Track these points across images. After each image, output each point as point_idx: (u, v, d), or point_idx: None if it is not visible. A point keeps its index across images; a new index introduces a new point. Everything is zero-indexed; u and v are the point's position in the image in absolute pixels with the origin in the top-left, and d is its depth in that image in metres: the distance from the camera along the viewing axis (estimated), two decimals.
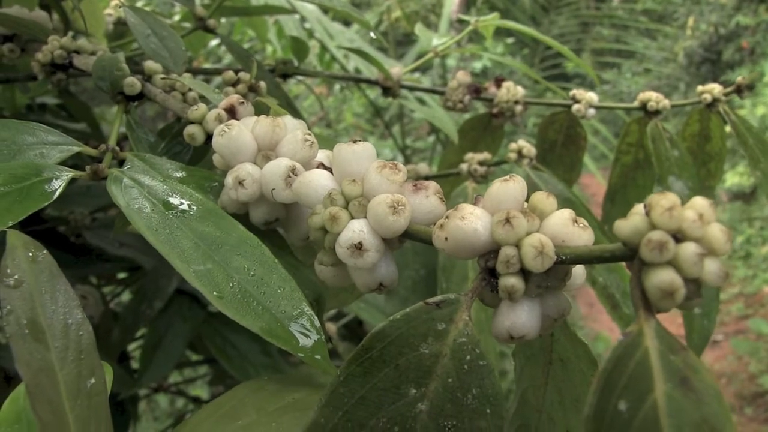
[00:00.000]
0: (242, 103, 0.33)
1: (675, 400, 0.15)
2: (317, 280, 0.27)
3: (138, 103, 0.41)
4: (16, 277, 0.21)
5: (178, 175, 0.31)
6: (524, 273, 0.19)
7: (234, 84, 0.42)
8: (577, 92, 0.64)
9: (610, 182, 0.69)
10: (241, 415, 0.22)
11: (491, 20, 0.72)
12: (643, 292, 0.16)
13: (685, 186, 0.58)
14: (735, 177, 3.60)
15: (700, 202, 0.16)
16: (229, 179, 0.28)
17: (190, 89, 0.39)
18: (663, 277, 0.16)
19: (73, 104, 0.83)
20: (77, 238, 0.82)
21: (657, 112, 0.61)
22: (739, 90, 0.61)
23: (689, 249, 0.16)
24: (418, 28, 0.71)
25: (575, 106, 0.64)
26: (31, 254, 0.22)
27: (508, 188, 0.20)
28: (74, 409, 0.20)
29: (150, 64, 0.40)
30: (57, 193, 0.26)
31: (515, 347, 0.32)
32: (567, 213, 0.20)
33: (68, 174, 0.27)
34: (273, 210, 0.28)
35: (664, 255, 0.16)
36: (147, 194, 0.27)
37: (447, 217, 0.20)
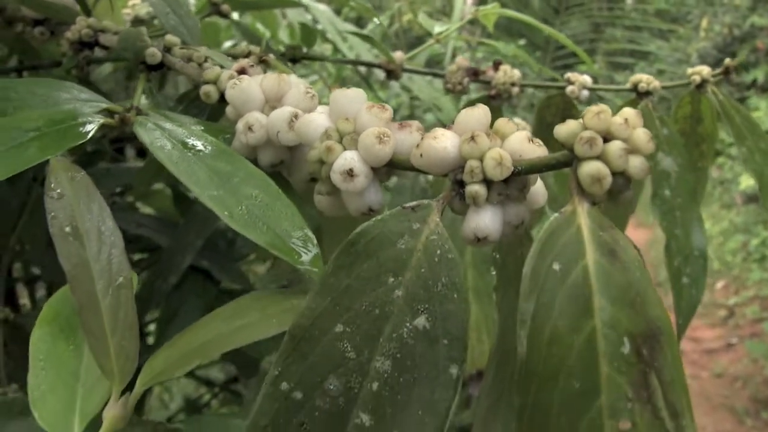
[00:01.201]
0: (252, 66, 0.37)
1: (603, 266, 0.19)
2: (317, 214, 0.31)
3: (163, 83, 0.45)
4: (58, 191, 0.25)
5: (195, 128, 0.35)
6: (487, 183, 0.23)
7: (246, 56, 0.46)
8: (571, 75, 0.68)
9: None
10: (244, 317, 0.26)
11: (491, 9, 0.75)
12: (578, 182, 0.19)
13: (674, 162, 0.61)
14: (749, 179, 3.56)
15: (628, 110, 0.20)
16: (240, 125, 0.32)
17: (206, 59, 0.43)
18: (592, 166, 0.19)
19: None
20: None
21: (648, 93, 0.64)
22: (727, 72, 0.63)
23: (615, 145, 0.19)
24: (422, 17, 0.75)
25: (569, 88, 0.67)
26: (70, 174, 0.26)
27: (474, 113, 0.23)
28: (105, 297, 0.23)
29: (169, 38, 0.44)
30: (90, 134, 0.30)
31: (496, 283, 0.35)
32: (524, 133, 0.23)
33: (100, 119, 0.31)
34: (278, 153, 0.32)
35: (594, 149, 0.19)
36: (168, 135, 0.31)
37: (422, 138, 0.24)
